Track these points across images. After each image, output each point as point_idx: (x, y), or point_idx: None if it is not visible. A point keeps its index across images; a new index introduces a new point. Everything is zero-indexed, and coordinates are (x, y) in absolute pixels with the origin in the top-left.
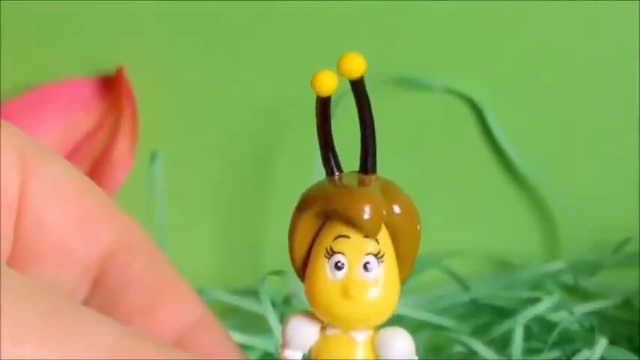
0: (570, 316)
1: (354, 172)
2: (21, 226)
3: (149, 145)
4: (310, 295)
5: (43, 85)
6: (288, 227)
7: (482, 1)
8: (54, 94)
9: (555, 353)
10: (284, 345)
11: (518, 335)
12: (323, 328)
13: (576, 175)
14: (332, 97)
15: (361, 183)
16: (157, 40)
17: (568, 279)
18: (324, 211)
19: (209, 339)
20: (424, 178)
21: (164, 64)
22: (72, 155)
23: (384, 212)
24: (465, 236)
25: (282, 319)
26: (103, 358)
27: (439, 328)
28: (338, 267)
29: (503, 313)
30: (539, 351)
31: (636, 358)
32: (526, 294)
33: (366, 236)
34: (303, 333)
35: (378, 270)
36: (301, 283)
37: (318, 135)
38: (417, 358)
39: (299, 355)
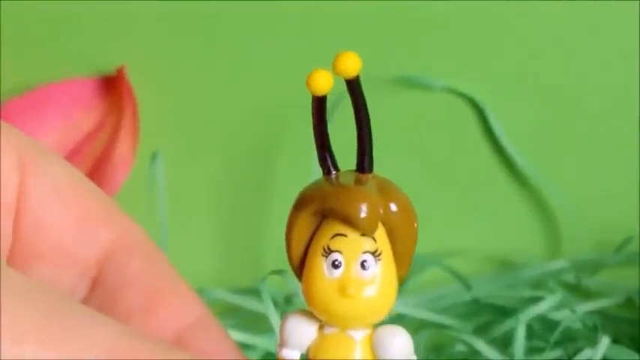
0: (572, 315)
1: (351, 171)
2: (20, 226)
3: (150, 145)
4: (307, 293)
5: (43, 85)
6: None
7: (483, 1)
8: (54, 94)
9: (557, 352)
10: (282, 344)
11: (521, 334)
12: (321, 327)
13: (577, 174)
14: (332, 98)
15: (358, 182)
16: (158, 40)
17: (570, 278)
18: (321, 210)
19: (208, 339)
20: (426, 178)
21: (165, 64)
22: (73, 155)
23: (381, 210)
24: (466, 235)
25: None
26: (102, 358)
27: (441, 327)
28: (335, 265)
29: (505, 312)
30: (541, 350)
31: (638, 357)
32: (528, 293)
33: (363, 235)
34: (301, 332)
35: (375, 268)
36: None
37: (315, 134)
38: (415, 356)
39: (297, 354)
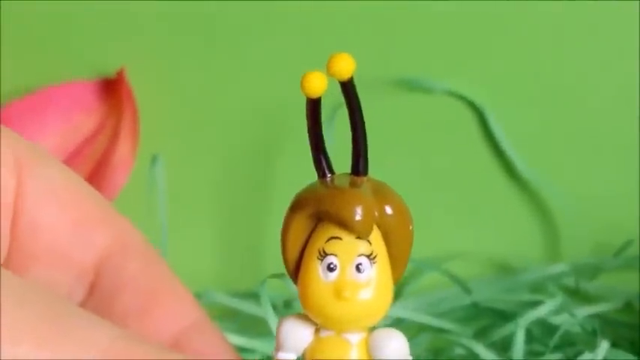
0: (572, 319)
1: (346, 174)
2: (16, 228)
3: (150, 147)
4: (303, 296)
5: (43, 87)
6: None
7: (483, 2)
8: (54, 96)
9: (557, 356)
10: (278, 347)
11: (520, 338)
12: (317, 330)
13: (577, 177)
14: (333, 102)
15: (353, 184)
16: (157, 42)
17: (569, 282)
18: (316, 213)
19: (205, 341)
20: (425, 181)
21: (164, 66)
22: (73, 158)
23: (376, 213)
24: (466, 239)
25: None
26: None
27: (440, 331)
28: (330, 268)
29: (505, 316)
30: (540, 354)
31: None
32: (527, 297)
33: (358, 237)
34: (297, 335)
35: (370, 271)
36: None
37: (309, 137)
38: (411, 358)
39: (293, 357)
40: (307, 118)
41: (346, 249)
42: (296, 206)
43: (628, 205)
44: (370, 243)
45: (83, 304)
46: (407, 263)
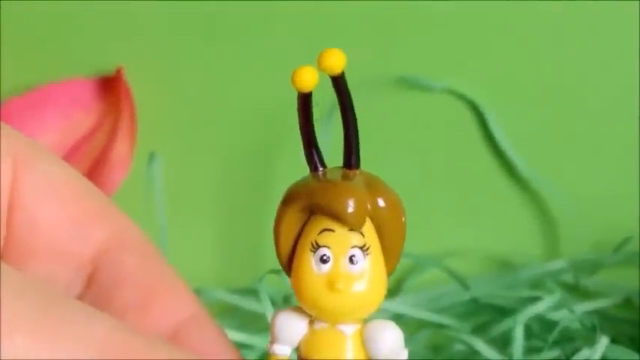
0: (571, 315)
1: (338, 167)
2: (14, 224)
3: (148, 145)
4: (297, 289)
5: (43, 85)
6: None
7: (483, 2)
8: (54, 94)
9: (556, 352)
10: (272, 340)
11: (519, 334)
12: (311, 322)
13: (576, 175)
14: (332, 98)
15: (345, 177)
16: (157, 41)
17: (568, 278)
18: (308, 206)
19: (203, 336)
20: (425, 179)
21: (163, 65)
22: (71, 155)
23: (369, 206)
24: (465, 236)
25: None
26: (94, 352)
27: (440, 327)
28: (323, 260)
29: (504, 312)
30: (539, 350)
31: (637, 357)
32: (526, 293)
33: (351, 230)
34: (292, 328)
35: (363, 263)
36: None
37: (301, 131)
38: (406, 350)
39: (288, 350)
40: (298, 113)
41: (339, 241)
42: (288, 199)
43: (627, 203)
44: (363, 235)
45: (81, 298)
46: (400, 255)
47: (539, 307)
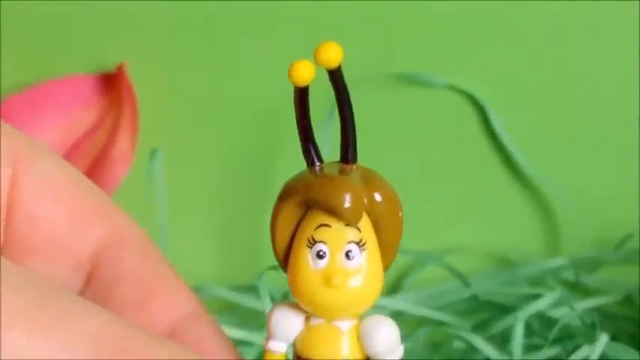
0: (571, 313)
1: (335, 162)
2: (13, 221)
3: (149, 142)
4: (293, 285)
5: (43, 82)
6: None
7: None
8: (54, 91)
9: (556, 349)
10: (268, 336)
11: (519, 331)
12: (307, 318)
13: (577, 172)
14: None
15: (342, 172)
16: (158, 38)
17: (569, 275)
18: (305, 201)
19: (200, 333)
20: (426, 175)
21: (165, 62)
22: (72, 152)
23: (365, 200)
24: (466, 233)
25: None
26: (88, 346)
27: (440, 324)
28: (320, 256)
29: (504, 309)
30: (539, 347)
31: (637, 354)
32: (527, 290)
33: (348, 225)
34: (288, 324)
35: (360, 258)
36: None
37: (298, 126)
38: (402, 346)
39: (284, 346)
40: (295, 107)
41: (335, 236)
42: (284, 194)
43: (628, 200)
44: (359, 230)
45: (81, 295)
46: (397, 250)
47: (539, 305)
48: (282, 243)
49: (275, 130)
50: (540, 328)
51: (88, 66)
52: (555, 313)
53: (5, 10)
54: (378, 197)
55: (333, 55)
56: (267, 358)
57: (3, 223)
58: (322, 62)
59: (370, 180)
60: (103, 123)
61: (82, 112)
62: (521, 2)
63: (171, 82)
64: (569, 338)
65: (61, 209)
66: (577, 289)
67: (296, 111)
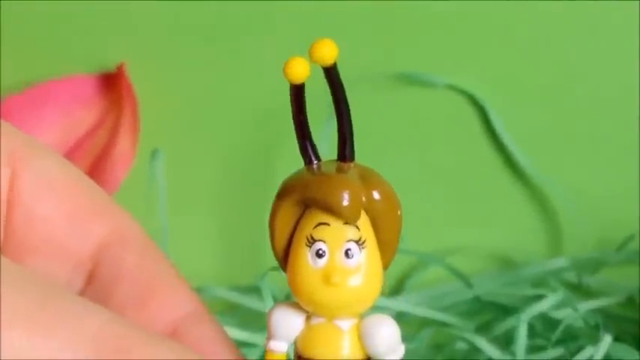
0: (574, 314)
1: (333, 160)
2: (13, 220)
3: (150, 142)
4: (293, 284)
5: (43, 81)
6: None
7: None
8: (54, 90)
9: (559, 351)
10: (269, 336)
11: (522, 332)
12: (308, 317)
13: (579, 172)
14: None
15: (340, 170)
16: (158, 38)
17: (571, 277)
18: (303, 200)
19: (202, 333)
20: (427, 175)
21: (165, 62)
22: (73, 152)
23: (364, 198)
24: (468, 233)
25: None
26: (88, 345)
27: (443, 325)
28: (319, 255)
29: (507, 310)
30: (542, 348)
31: None
32: (529, 291)
33: (346, 223)
34: (288, 323)
35: (359, 257)
36: None
37: (294, 124)
38: (403, 345)
39: (284, 346)
40: (291, 105)
41: (334, 235)
42: (283, 193)
43: (629, 201)
44: (358, 228)
45: (82, 295)
46: (396, 249)
47: (542, 306)
48: (281, 242)
49: (275, 130)
50: (543, 329)
51: (88, 66)
52: (558, 314)
53: (5, 10)
54: (376, 195)
55: (327, 52)
56: (268, 357)
57: (3, 222)
58: (317, 59)
59: (368, 178)
60: (103, 123)
61: (82, 113)
62: (521, 2)
63: (171, 82)
64: (573, 339)
65: (60, 208)
66: (579, 290)
67: (292, 108)
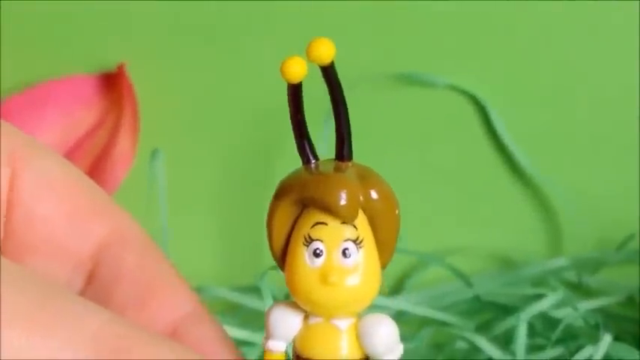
0: (574, 313)
1: (331, 159)
2: (13, 220)
3: (150, 142)
4: (290, 283)
5: (43, 82)
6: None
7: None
8: (54, 91)
9: (559, 350)
10: (267, 336)
11: (522, 332)
12: (306, 317)
13: (579, 172)
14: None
15: (337, 169)
16: (158, 38)
17: (571, 276)
18: (301, 199)
19: (202, 333)
20: (428, 175)
21: (165, 62)
22: (73, 152)
23: (361, 198)
24: (468, 233)
25: None
26: (88, 345)
27: (443, 324)
28: (316, 254)
29: (507, 309)
30: (542, 348)
31: None
32: (529, 291)
33: (344, 222)
34: (286, 323)
35: (357, 256)
36: None
37: (292, 123)
38: (401, 344)
39: (283, 345)
40: (289, 104)
41: (332, 234)
42: (280, 193)
43: (629, 201)
44: (356, 228)
45: (82, 295)
46: (394, 248)
47: (542, 305)
48: (279, 241)
49: (276, 130)
50: (543, 328)
51: (88, 66)
52: (558, 314)
53: (5, 10)
54: (374, 194)
55: (325, 51)
56: (266, 357)
57: (3, 222)
58: (314, 59)
59: (366, 177)
60: (103, 123)
61: (82, 112)
62: (522, 2)
63: (171, 82)
64: (573, 339)
65: (60, 208)
66: (579, 289)
67: (290, 108)
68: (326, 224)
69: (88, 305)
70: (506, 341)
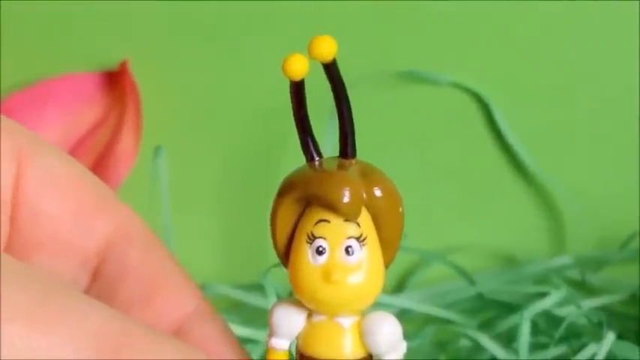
0: (577, 311)
1: (334, 157)
2: (18, 217)
3: (153, 140)
4: (293, 281)
5: (44, 80)
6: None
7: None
8: (55, 89)
9: (562, 348)
10: (271, 334)
11: (525, 330)
12: (309, 315)
13: (582, 171)
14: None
15: (341, 167)
16: (160, 36)
17: (574, 274)
18: (304, 197)
19: (207, 331)
20: (431, 173)
21: (167, 60)
22: (76, 149)
23: (365, 195)
24: (471, 231)
25: None
26: (89, 341)
27: (446, 322)
28: (319, 252)
29: (510, 307)
30: (545, 346)
31: None
32: (532, 289)
33: (347, 220)
34: (290, 321)
35: (360, 254)
36: None
37: (295, 120)
38: (404, 342)
39: (286, 343)
40: (292, 102)
41: (335, 232)
42: (284, 190)
43: (632, 199)
44: (359, 225)
45: (87, 292)
46: (398, 246)
47: (545, 303)
48: (282, 239)
49: (278, 128)
50: (546, 326)
51: (88, 66)
52: (561, 312)
53: (5, 10)
54: (377, 192)
55: (327, 48)
56: (270, 355)
57: (8, 219)
58: (316, 56)
59: (370, 175)
60: (106, 120)
61: (84, 110)
62: (525, 2)
63: (172, 81)
64: (576, 337)
65: (65, 205)
66: (582, 287)
67: (292, 105)
68: (329, 222)
69: (90, 302)
70: (509, 339)
